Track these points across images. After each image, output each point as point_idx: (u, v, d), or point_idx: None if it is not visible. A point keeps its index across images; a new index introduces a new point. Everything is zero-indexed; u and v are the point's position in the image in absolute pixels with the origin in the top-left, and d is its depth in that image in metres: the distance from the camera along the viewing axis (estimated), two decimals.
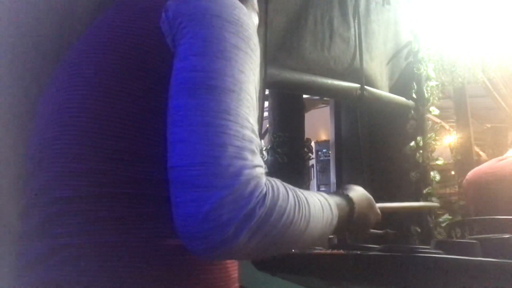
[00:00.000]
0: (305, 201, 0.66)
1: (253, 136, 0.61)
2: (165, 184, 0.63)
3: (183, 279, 0.65)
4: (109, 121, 0.66)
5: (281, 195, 0.61)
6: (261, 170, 0.61)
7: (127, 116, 0.65)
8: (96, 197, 0.64)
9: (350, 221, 0.84)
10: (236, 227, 0.56)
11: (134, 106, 0.65)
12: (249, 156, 0.59)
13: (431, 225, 2.66)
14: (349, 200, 0.85)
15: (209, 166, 0.57)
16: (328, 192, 0.94)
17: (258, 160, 0.61)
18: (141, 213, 0.64)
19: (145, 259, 0.62)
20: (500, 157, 2.45)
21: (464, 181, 2.53)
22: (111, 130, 0.65)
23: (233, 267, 0.73)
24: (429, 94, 2.81)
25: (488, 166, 2.49)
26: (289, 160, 3.35)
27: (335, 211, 0.77)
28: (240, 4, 0.70)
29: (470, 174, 2.52)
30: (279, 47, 2.10)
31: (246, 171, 0.58)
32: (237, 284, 0.74)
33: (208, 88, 0.60)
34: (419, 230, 2.64)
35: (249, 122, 0.62)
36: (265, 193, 0.59)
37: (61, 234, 0.64)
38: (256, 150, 0.61)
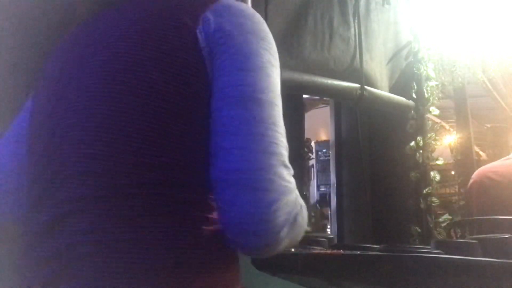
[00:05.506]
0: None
1: (286, 143, 0.71)
2: (182, 186, 0.67)
3: (194, 278, 0.66)
4: (133, 123, 0.66)
5: (305, 208, 0.72)
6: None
7: (152, 119, 0.66)
8: (113, 196, 0.65)
9: None
10: (288, 228, 0.65)
11: (160, 110, 0.66)
12: (288, 164, 0.69)
13: (431, 225, 2.66)
14: None
15: (266, 172, 0.65)
16: None
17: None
18: (157, 213, 0.65)
19: (159, 257, 0.64)
20: (506, 157, 2.44)
21: (470, 182, 2.50)
22: (135, 132, 0.66)
23: (236, 270, 0.74)
24: (429, 94, 2.80)
25: (493, 165, 2.47)
26: (289, 160, 3.34)
27: None
28: (262, 18, 0.77)
29: (475, 174, 2.50)
30: (279, 47, 2.09)
31: (291, 179, 0.68)
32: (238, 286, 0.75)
33: (258, 101, 0.68)
34: (419, 230, 2.64)
35: (283, 130, 0.71)
36: (301, 204, 0.70)
37: (77, 232, 0.65)
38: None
